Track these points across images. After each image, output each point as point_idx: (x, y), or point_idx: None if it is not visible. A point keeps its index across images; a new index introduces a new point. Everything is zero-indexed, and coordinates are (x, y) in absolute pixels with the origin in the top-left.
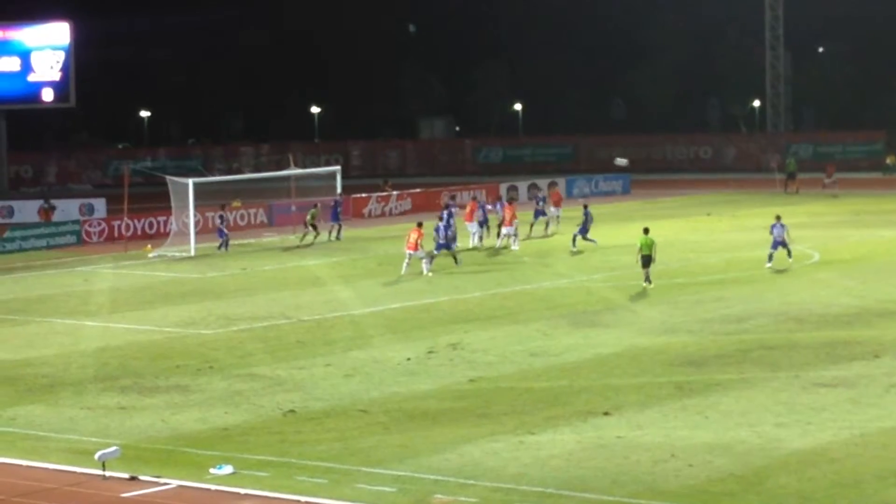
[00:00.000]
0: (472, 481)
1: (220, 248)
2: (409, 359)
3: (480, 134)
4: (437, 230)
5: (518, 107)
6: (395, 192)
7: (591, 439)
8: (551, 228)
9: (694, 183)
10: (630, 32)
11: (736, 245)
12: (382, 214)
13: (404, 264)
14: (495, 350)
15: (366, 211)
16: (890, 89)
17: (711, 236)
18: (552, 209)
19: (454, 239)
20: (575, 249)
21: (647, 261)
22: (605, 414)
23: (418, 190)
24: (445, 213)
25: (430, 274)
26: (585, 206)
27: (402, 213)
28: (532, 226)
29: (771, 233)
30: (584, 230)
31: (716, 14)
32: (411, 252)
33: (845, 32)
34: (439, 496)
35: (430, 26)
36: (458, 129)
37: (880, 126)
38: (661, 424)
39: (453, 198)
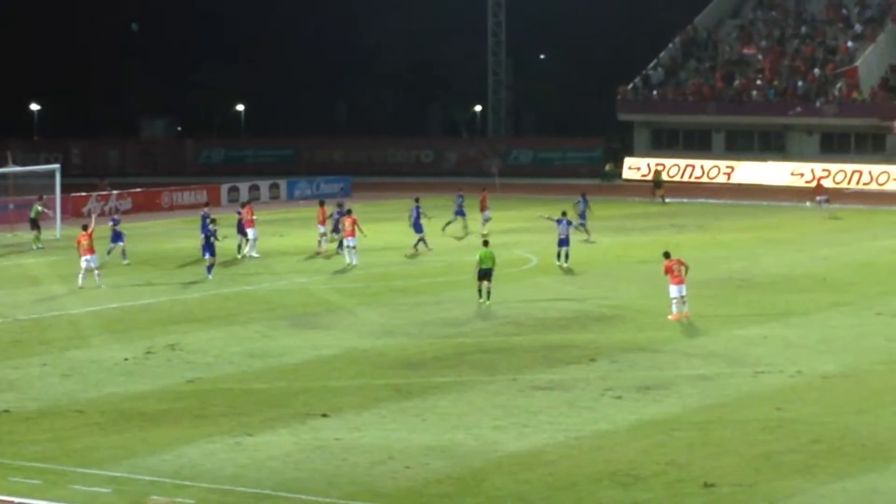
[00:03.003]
0: (188, 482)
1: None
2: (126, 359)
3: (202, 135)
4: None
5: (241, 107)
6: (115, 192)
7: (309, 441)
8: (488, 227)
9: (415, 186)
10: (354, 35)
11: (456, 248)
12: (102, 213)
13: (80, 276)
14: (214, 351)
15: (85, 210)
16: (608, 96)
17: (431, 239)
18: (485, 213)
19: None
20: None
21: (487, 273)
22: (324, 416)
23: (138, 189)
24: (336, 213)
25: (100, 284)
26: (583, 194)
27: (124, 213)
28: (449, 224)
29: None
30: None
31: (439, 19)
32: (89, 258)
33: (566, 39)
34: (155, 497)
35: (153, 25)
36: (179, 129)
37: (599, 133)
38: (380, 426)
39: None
